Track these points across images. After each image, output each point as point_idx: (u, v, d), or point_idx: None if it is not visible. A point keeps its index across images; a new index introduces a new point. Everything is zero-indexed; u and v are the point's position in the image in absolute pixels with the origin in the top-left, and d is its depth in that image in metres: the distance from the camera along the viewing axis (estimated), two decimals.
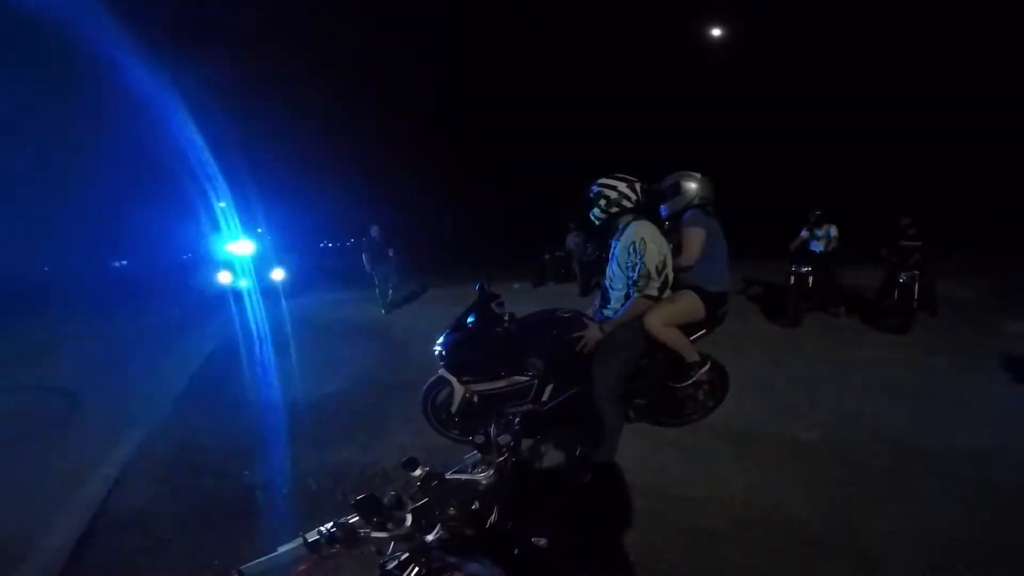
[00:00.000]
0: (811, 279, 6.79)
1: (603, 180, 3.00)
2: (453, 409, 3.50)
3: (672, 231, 3.42)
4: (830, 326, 6.62)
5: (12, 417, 5.03)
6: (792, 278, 6.80)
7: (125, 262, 38.75)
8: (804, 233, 7.20)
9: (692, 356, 3.20)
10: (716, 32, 18.09)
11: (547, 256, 12.62)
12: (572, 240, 11.67)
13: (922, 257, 6.28)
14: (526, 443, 1.23)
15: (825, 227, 7.06)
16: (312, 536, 0.93)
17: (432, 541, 0.97)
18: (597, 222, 3.08)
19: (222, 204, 11.98)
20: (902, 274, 6.12)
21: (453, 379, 3.44)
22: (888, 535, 2.48)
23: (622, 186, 2.94)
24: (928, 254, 6.36)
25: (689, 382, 3.30)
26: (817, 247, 7.10)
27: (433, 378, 3.58)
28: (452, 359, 3.43)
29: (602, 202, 2.97)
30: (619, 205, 2.95)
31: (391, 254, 9.63)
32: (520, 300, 6.33)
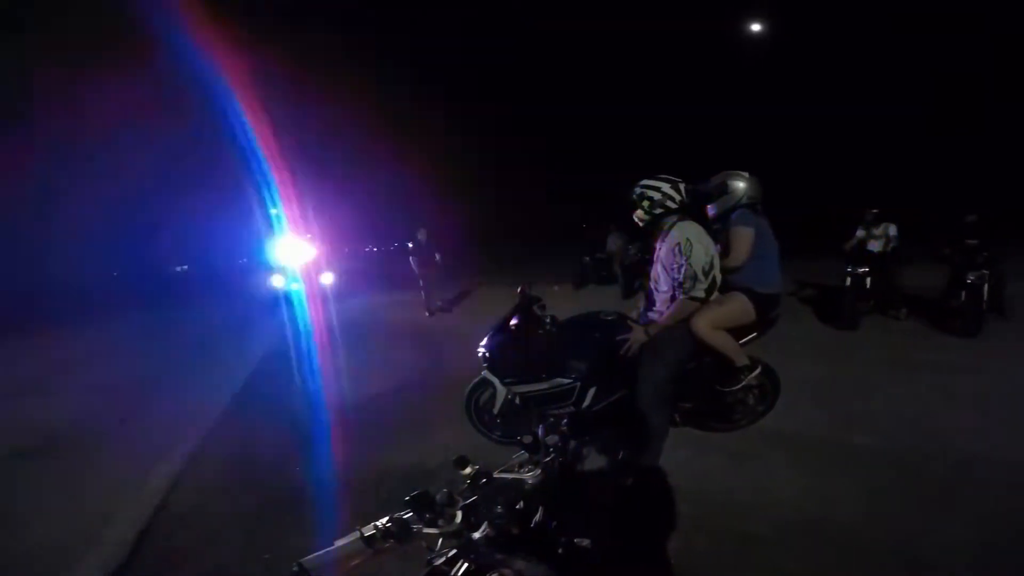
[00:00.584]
0: (869, 280, 6.48)
1: (646, 181, 2.96)
2: (495, 410, 3.53)
3: (719, 231, 3.34)
4: (890, 329, 6.28)
5: (83, 414, 5.39)
6: (848, 279, 6.51)
7: (186, 267, 40.96)
8: (860, 232, 6.90)
9: (742, 360, 3.10)
10: (756, 27, 17.44)
11: (587, 258, 12.49)
12: (613, 241, 11.52)
13: (990, 256, 5.88)
14: (573, 444, 1.23)
15: (883, 226, 6.75)
16: (368, 531, 0.96)
17: (479, 538, 0.98)
18: (641, 223, 3.04)
19: (275, 211, 12.47)
20: (970, 274, 5.75)
21: (496, 380, 3.47)
22: (942, 547, 2.34)
23: (666, 187, 2.90)
24: (995, 253, 5.95)
25: (738, 386, 3.20)
26: (875, 247, 6.78)
27: (476, 379, 3.61)
28: (495, 361, 3.45)
29: (646, 203, 2.93)
30: (663, 206, 2.90)
31: (437, 258, 9.81)
32: (560, 302, 6.32)
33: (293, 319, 10.14)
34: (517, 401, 3.44)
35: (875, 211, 6.79)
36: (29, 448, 4.38)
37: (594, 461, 3.12)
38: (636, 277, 9.98)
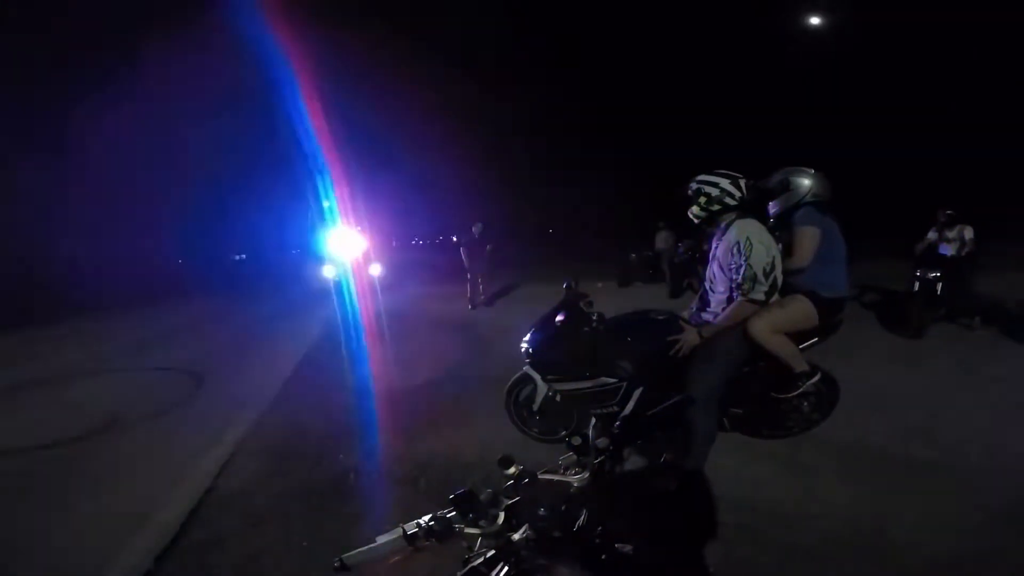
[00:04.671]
0: (940, 286, 6.05)
1: (703, 176, 2.84)
2: (535, 407, 3.50)
3: (779, 230, 3.17)
4: (962, 338, 5.85)
5: (144, 395, 5.70)
6: (917, 284, 6.11)
7: (244, 256, 42.95)
8: (932, 235, 6.48)
9: (800, 366, 2.94)
10: (816, 20, 16.46)
11: (632, 255, 12.25)
12: (662, 239, 11.26)
13: None
14: (625, 449, 1.19)
15: (958, 228, 6.30)
16: (411, 528, 0.95)
17: (519, 540, 0.95)
18: (696, 220, 2.92)
19: (327, 203, 12.84)
20: None
21: (537, 377, 3.43)
22: (1003, 571, 2.18)
23: (725, 182, 2.77)
24: None
25: (795, 393, 3.04)
26: (947, 250, 6.34)
27: (518, 375, 3.59)
28: (538, 357, 3.41)
29: (702, 199, 2.81)
30: (721, 203, 2.77)
31: (488, 249, 9.92)
32: (605, 300, 6.21)
33: (342, 308, 10.44)
34: (558, 398, 3.40)
35: (949, 212, 6.35)
36: (91, 429, 4.60)
37: (636, 463, 3.04)
38: (685, 276, 9.73)
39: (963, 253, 6.28)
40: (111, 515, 3.14)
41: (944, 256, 6.35)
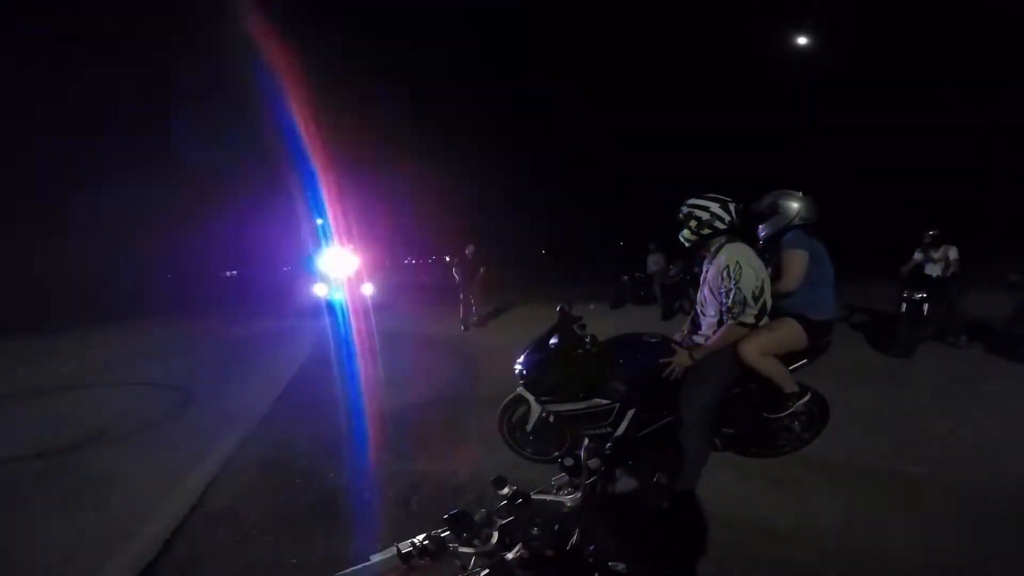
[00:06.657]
0: (926, 306, 6.14)
1: (694, 200, 2.89)
2: (528, 427, 3.50)
3: (768, 252, 3.23)
4: (949, 357, 5.93)
5: (132, 409, 5.64)
6: (904, 304, 6.19)
7: (235, 272, 42.79)
8: (918, 255, 6.58)
9: (790, 387, 2.97)
10: (804, 41, 16.85)
11: (625, 278, 12.32)
12: (653, 262, 11.34)
13: None
14: (617, 469, 1.21)
15: (943, 248, 6.42)
16: (405, 547, 0.95)
17: (512, 559, 0.96)
18: (687, 244, 2.97)
19: (320, 221, 12.87)
20: None
21: (531, 398, 3.44)
22: None
23: (714, 206, 2.82)
24: None
25: (785, 413, 3.07)
26: (933, 271, 6.44)
27: (511, 396, 3.59)
28: (532, 378, 3.42)
29: (692, 223, 2.86)
30: (711, 226, 2.82)
31: (481, 271, 9.94)
32: (598, 323, 6.24)
33: (334, 327, 10.39)
34: (551, 420, 3.41)
35: (933, 233, 6.47)
36: (78, 441, 4.55)
37: (630, 483, 3.04)
38: (677, 298, 9.79)
39: (948, 273, 6.38)
40: (95, 529, 3.08)
41: (930, 276, 6.45)
